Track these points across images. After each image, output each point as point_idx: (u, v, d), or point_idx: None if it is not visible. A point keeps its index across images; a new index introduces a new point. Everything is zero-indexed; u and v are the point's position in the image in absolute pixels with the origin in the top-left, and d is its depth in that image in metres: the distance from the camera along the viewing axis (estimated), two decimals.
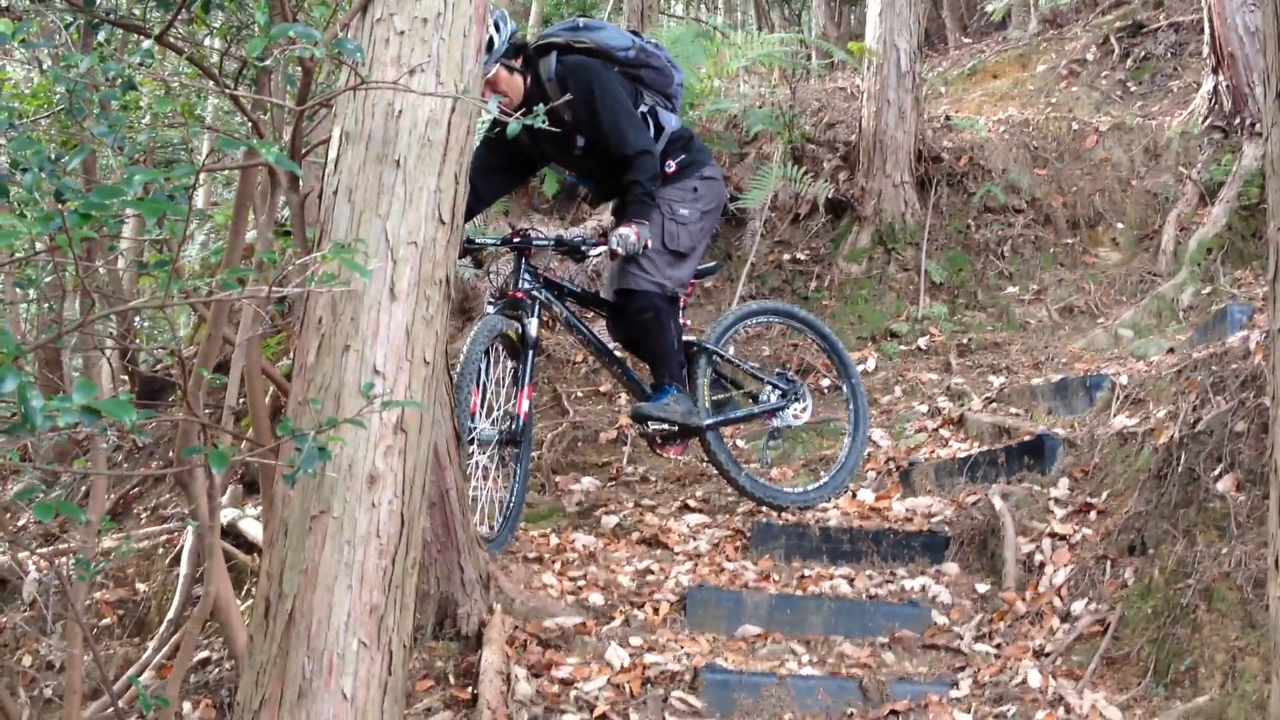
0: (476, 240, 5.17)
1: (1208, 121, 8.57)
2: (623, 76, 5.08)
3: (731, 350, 5.72)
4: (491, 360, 4.86)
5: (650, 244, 4.94)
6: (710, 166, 5.31)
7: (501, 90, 4.91)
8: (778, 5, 17.55)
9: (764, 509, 5.35)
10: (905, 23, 8.29)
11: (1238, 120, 8.34)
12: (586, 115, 4.96)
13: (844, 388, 5.79)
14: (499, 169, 5.15)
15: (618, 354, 5.45)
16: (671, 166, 5.14)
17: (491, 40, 4.76)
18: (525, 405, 4.89)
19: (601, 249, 5.01)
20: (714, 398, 5.40)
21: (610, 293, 5.19)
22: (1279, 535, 2.45)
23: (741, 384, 5.68)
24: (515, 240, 5.06)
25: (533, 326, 4.95)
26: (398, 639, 2.74)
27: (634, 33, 5.31)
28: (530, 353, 4.94)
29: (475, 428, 4.68)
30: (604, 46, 5.05)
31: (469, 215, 5.08)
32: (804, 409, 5.63)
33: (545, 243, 5.12)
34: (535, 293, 5.01)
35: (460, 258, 5.06)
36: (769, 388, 5.61)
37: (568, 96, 4.78)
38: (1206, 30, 8.65)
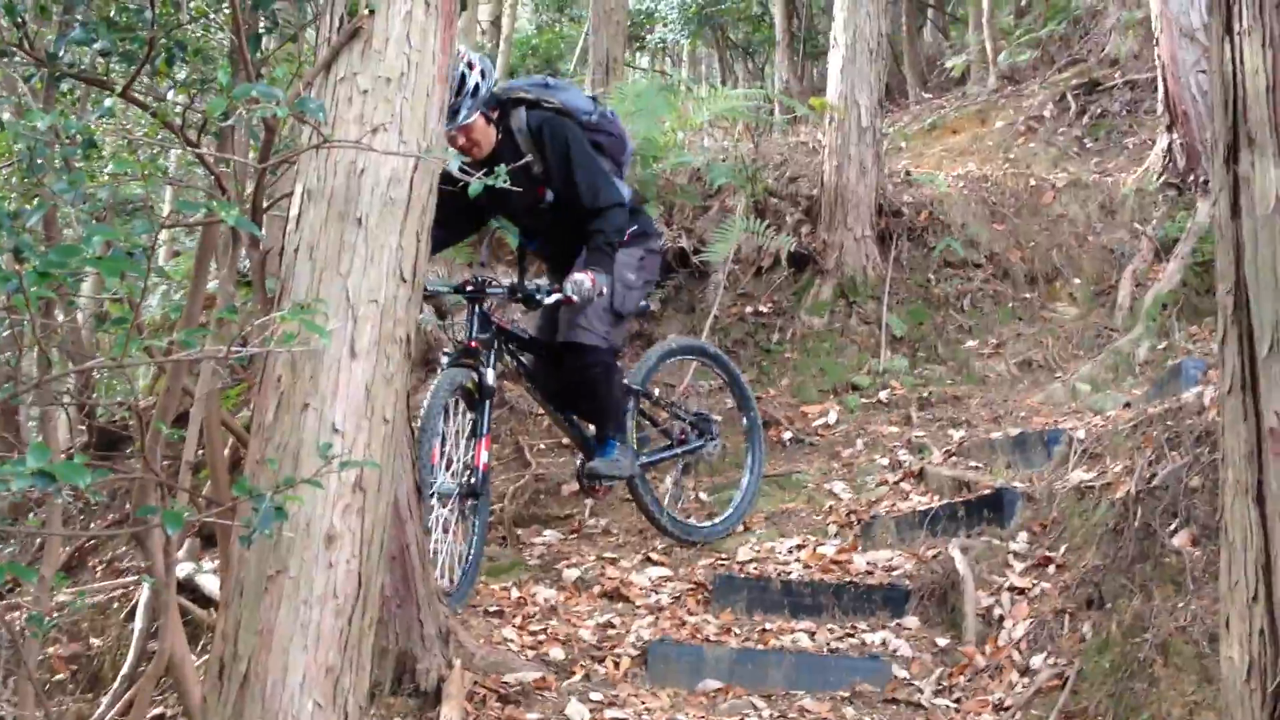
0: (429, 287, 5.14)
1: (1162, 178, 8.72)
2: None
3: (656, 390, 5.97)
4: (451, 413, 4.85)
5: (605, 291, 4.97)
6: (654, 239, 5.45)
7: (475, 139, 4.92)
8: (741, 59, 17.76)
9: (723, 560, 5.43)
10: (866, 79, 8.39)
11: (1192, 177, 8.49)
12: (561, 168, 5.00)
13: (744, 421, 6.09)
14: (445, 222, 5.12)
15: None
16: (624, 235, 5.20)
17: (477, 86, 4.81)
18: (484, 457, 4.89)
19: (556, 296, 4.99)
20: (636, 435, 5.56)
21: (548, 337, 5.25)
22: (1230, 595, 2.48)
23: (658, 421, 5.86)
24: (469, 288, 5.05)
25: (489, 376, 4.94)
26: (353, 700, 2.72)
27: (593, 98, 5.38)
28: (487, 403, 4.94)
29: (435, 481, 4.66)
30: (570, 107, 5.11)
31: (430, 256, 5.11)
32: (718, 446, 5.95)
33: (499, 290, 5.11)
34: (490, 341, 5.01)
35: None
36: (688, 426, 5.85)
37: (527, 158, 4.83)
38: (1161, 89, 8.82)
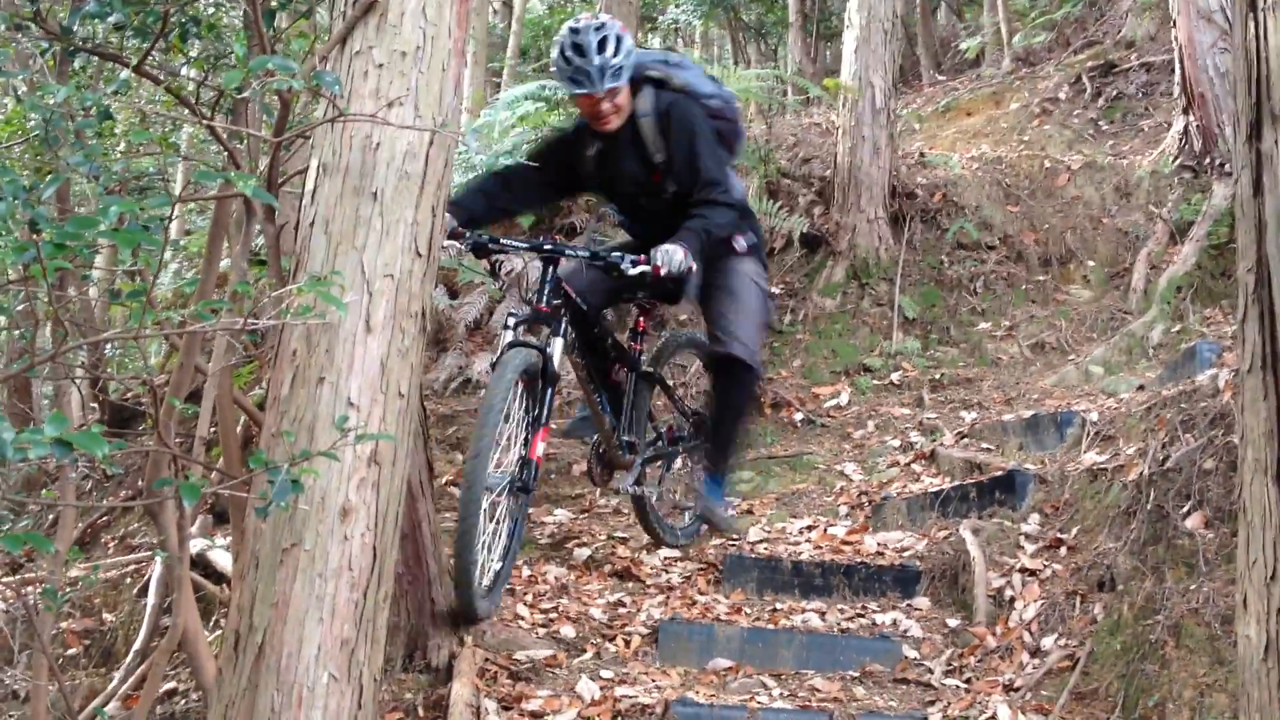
0: (503, 240, 4.67)
1: (1178, 161, 8.67)
2: None
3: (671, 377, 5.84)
4: (514, 397, 4.30)
5: (694, 268, 4.52)
6: (763, 249, 5.19)
7: (619, 105, 4.61)
8: (754, 40, 17.69)
9: (733, 542, 5.40)
10: (880, 60, 8.36)
11: (1208, 160, 8.45)
12: (685, 156, 4.70)
13: None
14: (544, 184, 4.87)
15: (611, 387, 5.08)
16: (743, 245, 4.94)
17: (631, 52, 4.57)
18: (540, 448, 4.35)
19: (643, 267, 4.44)
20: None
21: (595, 305, 4.89)
22: (1248, 574, 2.47)
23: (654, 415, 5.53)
24: (548, 248, 4.54)
25: (557, 351, 4.42)
26: (368, 672, 2.72)
27: (712, 78, 5.04)
28: (550, 388, 4.41)
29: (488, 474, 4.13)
30: (694, 91, 4.81)
31: (491, 219, 4.85)
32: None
33: (580, 254, 4.64)
34: (560, 309, 4.50)
35: (483, 257, 4.71)
36: (687, 422, 5.52)
37: (647, 148, 4.73)
38: (1177, 71, 8.77)
